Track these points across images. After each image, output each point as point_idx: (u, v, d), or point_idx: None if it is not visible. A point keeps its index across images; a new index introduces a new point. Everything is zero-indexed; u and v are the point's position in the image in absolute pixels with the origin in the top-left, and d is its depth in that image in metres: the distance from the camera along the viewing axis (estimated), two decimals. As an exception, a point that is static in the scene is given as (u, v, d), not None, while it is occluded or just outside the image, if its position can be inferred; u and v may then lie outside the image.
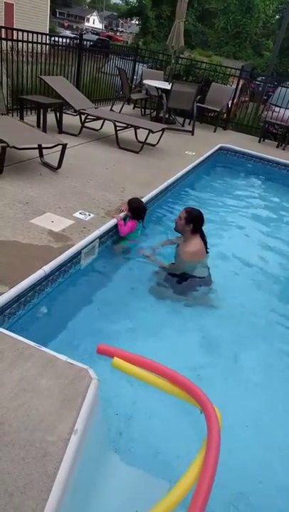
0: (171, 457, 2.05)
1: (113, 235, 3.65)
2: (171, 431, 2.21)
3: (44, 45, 6.81)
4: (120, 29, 75.13)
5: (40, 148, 4.58)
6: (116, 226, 3.63)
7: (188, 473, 1.49)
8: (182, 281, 3.38)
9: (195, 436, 2.03)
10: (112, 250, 3.67)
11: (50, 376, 1.85)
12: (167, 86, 7.84)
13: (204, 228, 3.49)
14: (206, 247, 3.45)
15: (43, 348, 2.01)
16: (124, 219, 3.71)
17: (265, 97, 11.00)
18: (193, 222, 3.32)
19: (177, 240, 3.72)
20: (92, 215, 3.62)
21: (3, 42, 5.82)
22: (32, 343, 2.02)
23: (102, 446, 1.98)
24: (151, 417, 2.24)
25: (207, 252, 3.48)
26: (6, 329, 2.13)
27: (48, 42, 7.13)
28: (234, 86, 9.57)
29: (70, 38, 8.32)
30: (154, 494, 1.85)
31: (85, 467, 1.68)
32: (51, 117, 5.98)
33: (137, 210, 3.71)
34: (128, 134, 6.51)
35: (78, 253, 3.08)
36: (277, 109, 9.17)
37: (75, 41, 7.91)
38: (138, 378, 1.89)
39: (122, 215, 3.71)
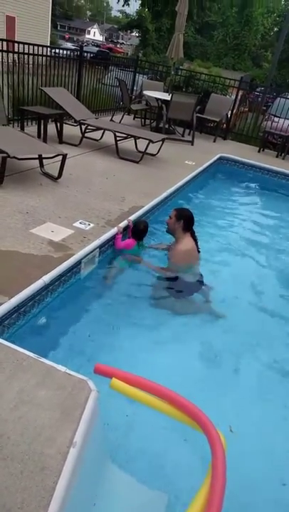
0: (172, 470, 2.02)
1: (113, 244, 3.64)
2: (172, 443, 2.17)
3: (45, 57, 6.89)
4: (120, 41, 76.10)
5: (40, 158, 4.60)
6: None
7: (194, 505, 1.40)
8: (179, 287, 3.38)
9: (197, 448, 2.01)
10: (104, 282, 3.49)
11: (49, 387, 1.83)
12: (167, 97, 7.92)
13: (196, 231, 3.51)
14: (198, 247, 3.47)
15: (42, 359, 1.99)
16: (125, 230, 3.71)
17: (265, 107, 11.08)
18: (184, 219, 3.35)
19: (168, 247, 3.71)
20: (92, 225, 3.62)
21: (5, 54, 5.89)
22: (31, 354, 2.00)
23: (102, 459, 1.95)
24: (152, 430, 2.20)
25: (198, 252, 3.49)
26: (5, 340, 2.12)
27: (49, 54, 7.22)
28: (233, 97, 9.65)
29: (71, 49, 8.41)
30: (155, 507, 1.82)
31: (84, 480, 1.65)
32: (52, 128, 6.02)
33: (138, 232, 3.68)
34: (128, 144, 6.55)
35: (78, 263, 3.07)
36: (276, 119, 9.24)
37: (76, 53, 8.00)
38: (138, 401, 1.83)
39: (122, 224, 3.71)
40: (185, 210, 3.51)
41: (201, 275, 3.50)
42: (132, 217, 3.88)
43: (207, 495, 1.38)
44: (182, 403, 1.70)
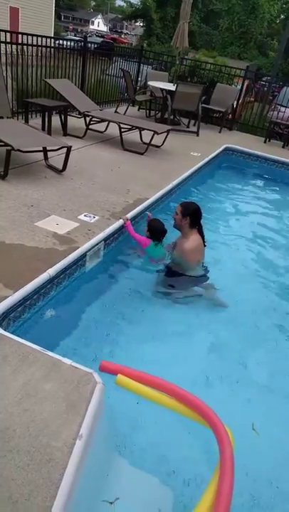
0: (177, 463, 2.02)
1: (118, 237, 3.63)
2: (178, 436, 2.17)
3: (49, 49, 6.83)
4: (125, 31, 75.44)
5: (45, 151, 4.59)
6: (121, 228, 3.58)
7: (203, 502, 1.40)
8: (184, 281, 3.36)
9: (206, 442, 2.00)
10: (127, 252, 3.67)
11: (54, 380, 1.83)
12: (172, 87, 7.83)
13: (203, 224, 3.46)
14: (204, 241, 3.43)
15: (48, 352, 1.99)
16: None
17: (271, 97, 10.93)
18: (190, 215, 3.29)
19: (173, 243, 3.67)
20: (97, 218, 3.61)
21: (9, 46, 5.85)
22: (37, 347, 2.01)
23: (108, 451, 1.96)
24: (157, 422, 2.20)
25: (204, 245, 3.45)
26: (11, 333, 2.12)
27: (52, 45, 7.15)
28: (239, 86, 9.52)
29: (75, 40, 8.32)
30: (162, 501, 1.83)
31: (90, 473, 1.66)
32: (56, 120, 5.99)
33: (154, 231, 3.50)
34: (133, 136, 6.50)
35: (83, 256, 3.06)
36: (283, 109, 9.12)
37: (80, 44, 7.93)
38: (144, 397, 1.82)
39: (129, 215, 3.69)
40: (191, 204, 3.41)
41: (206, 268, 3.48)
42: (131, 214, 3.79)
43: (215, 492, 1.37)
44: (189, 399, 1.69)
